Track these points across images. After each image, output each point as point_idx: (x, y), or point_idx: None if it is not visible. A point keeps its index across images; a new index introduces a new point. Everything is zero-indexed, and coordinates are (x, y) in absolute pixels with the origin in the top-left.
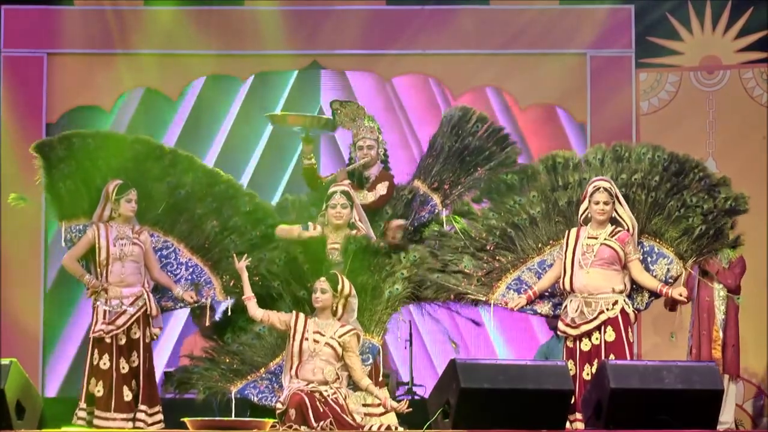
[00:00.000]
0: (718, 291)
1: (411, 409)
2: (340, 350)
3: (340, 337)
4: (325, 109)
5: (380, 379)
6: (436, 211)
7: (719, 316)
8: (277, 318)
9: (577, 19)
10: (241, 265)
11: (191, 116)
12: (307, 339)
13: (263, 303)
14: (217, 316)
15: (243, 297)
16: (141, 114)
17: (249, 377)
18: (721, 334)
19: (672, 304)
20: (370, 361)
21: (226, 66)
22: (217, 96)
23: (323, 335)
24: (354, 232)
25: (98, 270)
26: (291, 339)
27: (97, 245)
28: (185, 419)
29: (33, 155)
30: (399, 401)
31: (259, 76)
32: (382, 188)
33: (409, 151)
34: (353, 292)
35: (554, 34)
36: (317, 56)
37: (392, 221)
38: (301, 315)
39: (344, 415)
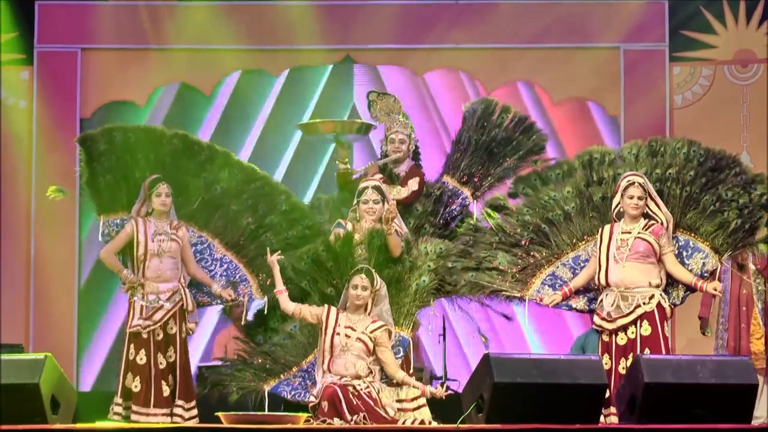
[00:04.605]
0: (757, 285)
1: (451, 392)
2: (371, 345)
3: (371, 332)
4: (357, 105)
5: (411, 372)
6: (467, 203)
7: (758, 310)
8: (308, 311)
9: (610, 13)
10: (273, 259)
11: (225, 113)
12: (338, 333)
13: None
14: (250, 316)
15: (274, 291)
16: (175, 109)
17: (282, 376)
18: (762, 327)
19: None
20: (401, 354)
21: (258, 61)
22: (250, 93)
23: (354, 330)
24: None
25: (135, 265)
26: (323, 333)
27: (135, 240)
28: (219, 413)
29: (67, 150)
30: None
31: (293, 71)
32: (413, 183)
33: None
34: (383, 284)
35: (587, 27)
36: (350, 51)
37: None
38: (333, 309)
39: (378, 409)
